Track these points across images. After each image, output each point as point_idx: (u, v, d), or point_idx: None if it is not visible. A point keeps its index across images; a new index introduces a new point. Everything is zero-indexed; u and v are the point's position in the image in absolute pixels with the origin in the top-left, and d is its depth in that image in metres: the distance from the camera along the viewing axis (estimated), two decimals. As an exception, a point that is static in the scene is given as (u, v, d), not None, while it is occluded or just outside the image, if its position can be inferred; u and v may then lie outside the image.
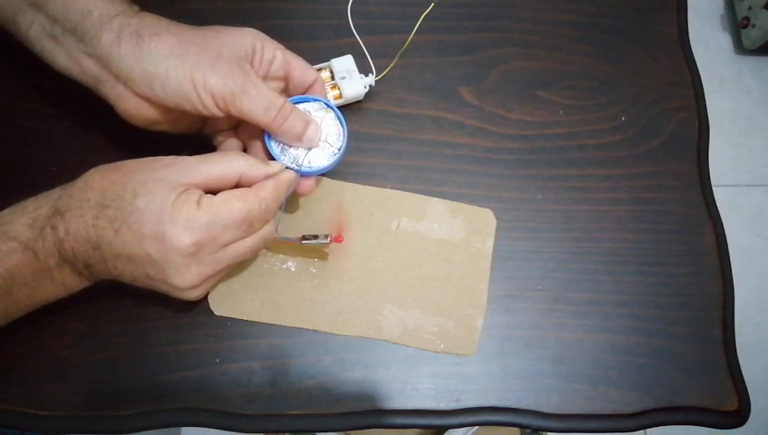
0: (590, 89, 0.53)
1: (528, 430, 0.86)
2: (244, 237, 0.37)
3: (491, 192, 0.49)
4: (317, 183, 0.44)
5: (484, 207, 0.48)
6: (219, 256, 0.36)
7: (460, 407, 0.43)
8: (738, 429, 0.44)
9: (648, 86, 0.54)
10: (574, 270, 0.47)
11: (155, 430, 0.41)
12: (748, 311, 1.22)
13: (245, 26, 0.40)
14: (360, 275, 0.45)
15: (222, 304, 0.44)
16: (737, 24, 1.42)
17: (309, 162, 0.40)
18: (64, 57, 0.39)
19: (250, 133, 0.42)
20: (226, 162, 0.37)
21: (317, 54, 0.49)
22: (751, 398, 0.45)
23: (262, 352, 0.43)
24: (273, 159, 0.40)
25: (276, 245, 0.45)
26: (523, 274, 0.47)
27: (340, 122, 0.42)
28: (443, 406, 0.43)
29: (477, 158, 0.50)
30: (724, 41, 1.46)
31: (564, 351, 0.45)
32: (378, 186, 0.48)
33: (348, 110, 0.50)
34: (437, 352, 0.44)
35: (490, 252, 0.47)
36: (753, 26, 1.35)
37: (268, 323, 0.44)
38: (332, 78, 0.49)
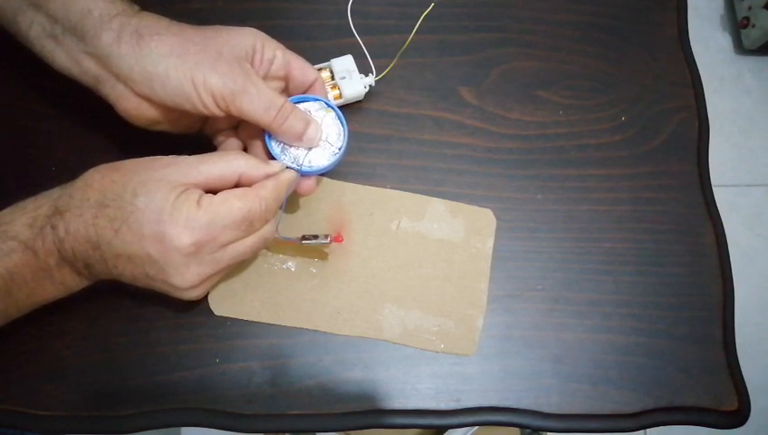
0: (590, 89, 0.53)
1: (528, 430, 0.86)
2: (244, 237, 0.37)
3: (491, 192, 0.49)
4: (317, 183, 0.44)
5: (484, 207, 0.48)
6: (219, 256, 0.36)
7: (460, 407, 0.43)
8: (738, 429, 0.44)
9: (648, 86, 0.54)
10: (574, 270, 0.47)
11: (155, 430, 0.41)
12: (748, 311, 1.22)
13: (246, 26, 0.40)
14: (360, 275, 0.45)
15: (222, 304, 0.44)
16: (737, 24, 1.42)
17: (309, 162, 0.40)
18: (64, 57, 0.39)
19: (250, 133, 0.42)
20: (226, 162, 0.37)
21: (317, 54, 0.49)
22: (751, 398, 0.45)
23: (262, 352, 0.43)
24: (273, 158, 0.40)
25: (276, 245, 0.45)
26: (523, 274, 0.47)
27: (341, 122, 0.42)
28: (443, 406, 0.43)
29: (477, 158, 0.50)
30: (724, 41, 1.46)
31: (564, 351, 0.45)
32: (378, 186, 0.48)
33: (348, 110, 0.50)
34: (437, 352, 0.44)
35: (490, 252, 0.47)
36: (753, 26, 1.35)
37: (268, 323, 0.44)
38: (332, 78, 0.49)
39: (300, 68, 0.42)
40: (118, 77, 0.38)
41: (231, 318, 0.44)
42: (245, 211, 0.36)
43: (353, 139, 0.45)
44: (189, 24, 0.39)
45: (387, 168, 0.49)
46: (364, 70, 0.50)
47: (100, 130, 0.47)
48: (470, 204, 0.48)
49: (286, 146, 0.40)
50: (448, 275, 0.46)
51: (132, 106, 0.39)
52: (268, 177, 0.38)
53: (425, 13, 0.53)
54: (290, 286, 0.44)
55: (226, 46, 0.38)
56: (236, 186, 0.37)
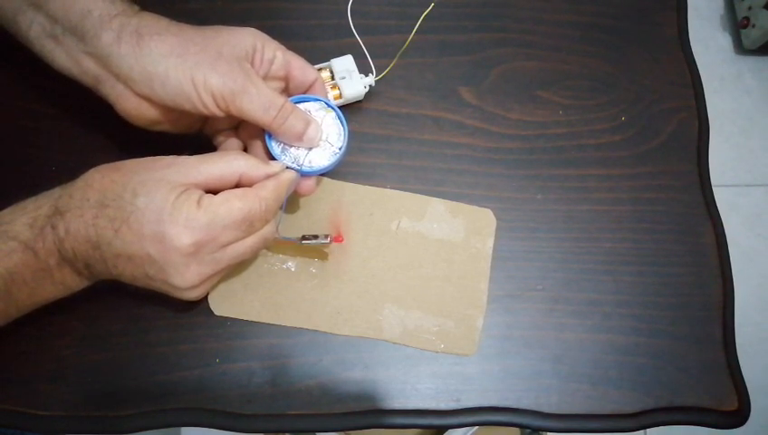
0: (590, 89, 0.53)
1: (528, 430, 0.86)
2: (244, 237, 0.37)
3: (491, 192, 0.49)
4: (317, 183, 0.44)
5: (484, 207, 0.48)
6: (219, 256, 0.36)
7: (460, 407, 0.43)
8: (738, 429, 0.44)
9: (648, 86, 0.54)
10: (574, 270, 0.47)
11: (155, 430, 0.41)
12: (748, 311, 1.22)
13: (246, 26, 0.40)
14: (360, 275, 0.45)
15: (222, 304, 0.44)
16: (737, 24, 1.42)
17: (309, 162, 0.40)
18: (64, 57, 0.39)
19: (250, 133, 0.42)
20: (227, 162, 0.37)
21: (317, 54, 0.49)
22: (751, 398, 0.45)
23: (262, 353, 0.43)
24: (273, 158, 0.40)
25: (276, 245, 0.45)
26: (523, 274, 0.47)
27: (341, 122, 0.42)
28: (443, 406, 0.43)
29: (477, 158, 0.50)
30: (724, 41, 1.46)
31: (564, 351, 0.45)
32: (378, 186, 0.48)
33: (348, 110, 0.50)
34: (437, 352, 0.44)
35: (490, 252, 0.47)
36: (753, 26, 1.35)
37: (268, 323, 0.44)
38: (332, 78, 0.49)
39: (300, 68, 0.42)
40: (118, 77, 0.38)
41: (231, 318, 0.44)
42: (246, 211, 0.36)
43: (353, 139, 0.45)
44: (189, 24, 0.39)
45: (387, 168, 0.49)
46: (364, 70, 0.50)
47: (100, 131, 0.47)
48: (470, 204, 0.48)
49: (286, 146, 0.40)
50: (448, 275, 0.46)
51: (132, 106, 0.39)
52: (268, 177, 0.38)
53: (425, 13, 0.53)
54: (290, 286, 0.44)
55: (226, 46, 0.38)
56: (237, 186, 0.37)
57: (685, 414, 0.44)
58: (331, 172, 0.45)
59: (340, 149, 0.41)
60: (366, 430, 0.46)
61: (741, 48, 1.43)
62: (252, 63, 0.39)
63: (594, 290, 0.47)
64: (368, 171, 0.49)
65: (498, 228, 0.48)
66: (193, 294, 0.38)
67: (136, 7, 0.39)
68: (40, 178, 0.46)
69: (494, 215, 0.48)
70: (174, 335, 0.43)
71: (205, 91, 0.37)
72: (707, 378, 0.45)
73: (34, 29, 0.39)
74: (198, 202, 0.35)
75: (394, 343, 0.44)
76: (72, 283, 0.37)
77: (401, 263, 0.46)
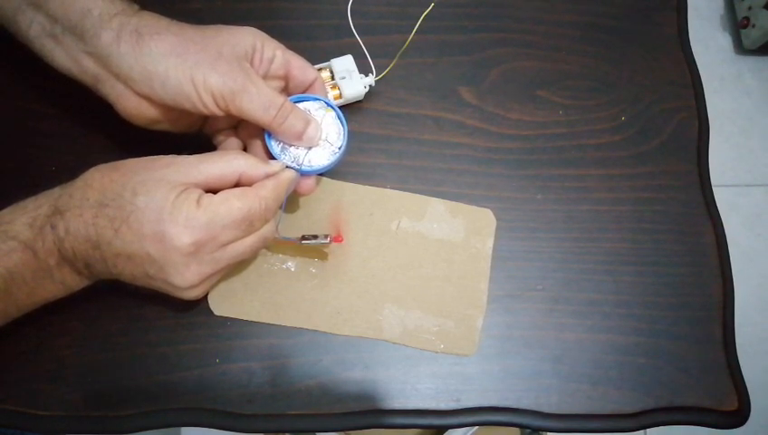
0: (590, 89, 0.53)
1: (528, 430, 0.86)
2: (244, 237, 0.37)
3: (491, 192, 0.49)
4: (317, 183, 0.44)
5: (484, 207, 0.48)
6: (219, 256, 0.36)
7: (460, 407, 0.43)
8: (738, 429, 0.44)
9: (648, 86, 0.54)
10: (574, 270, 0.47)
11: (155, 430, 0.41)
12: (748, 311, 1.22)
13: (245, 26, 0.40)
14: (360, 275, 0.45)
15: (222, 304, 0.44)
16: (737, 24, 1.42)
17: (309, 161, 0.40)
18: (64, 56, 0.39)
19: (250, 132, 0.42)
20: (226, 161, 0.37)
21: (317, 54, 0.49)
22: (751, 398, 0.45)
23: (262, 353, 0.43)
24: (273, 158, 0.40)
25: (276, 245, 0.45)
26: (523, 274, 0.47)
27: (341, 121, 0.42)
28: (443, 406, 0.43)
29: (477, 158, 0.50)
30: (724, 41, 1.46)
31: (564, 351, 0.45)
32: (378, 186, 0.48)
33: (348, 110, 0.50)
34: (437, 352, 0.44)
35: (490, 252, 0.47)
36: (753, 26, 1.35)
37: (268, 323, 0.44)
38: (332, 78, 0.49)
39: (300, 67, 0.42)
40: (117, 76, 0.38)
41: (231, 318, 0.44)
42: (245, 211, 0.36)
43: (353, 138, 0.45)
44: (189, 23, 0.39)
45: (387, 168, 0.49)
46: (364, 70, 0.50)
47: (99, 130, 0.47)
48: (470, 204, 0.48)
49: (286, 145, 0.40)
50: (448, 275, 0.46)
51: (132, 105, 0.39)
52: (268, 176, 0.38)
53: (425, 13, 0.53)
54: (290, 286, 0.44)
55: (226, 46, 0.38)
56: (236, 185, 0.37)
57: (685, 414, 0.44)
58: (331, 172, 0.45)
59: (339, 148, 0.41)
60: (366, 430, 0.46)
61: (741, 48, 1.43)
62: (251, 63, 0.39)
63: (594, 290, 0.47)
64: (368, 171, 0.48)
65: (498, 228, 0.48)
66: (193, 294, 0.38)
67: (135, 6, 0.39)
68: (40, 178, 0.45)
69: (494, 215, 0.48)
70: (174, 335, 0.43)
71: (204, 90, 0.37)
72: (707, 378, 0.45)
73: (34, 28, 0.39)
74: (198, 201, 0.35)
75: (394, 343, 0.44)
76: (72, 282, 0.37)
77: (401, 263, 0.46)
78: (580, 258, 0.47)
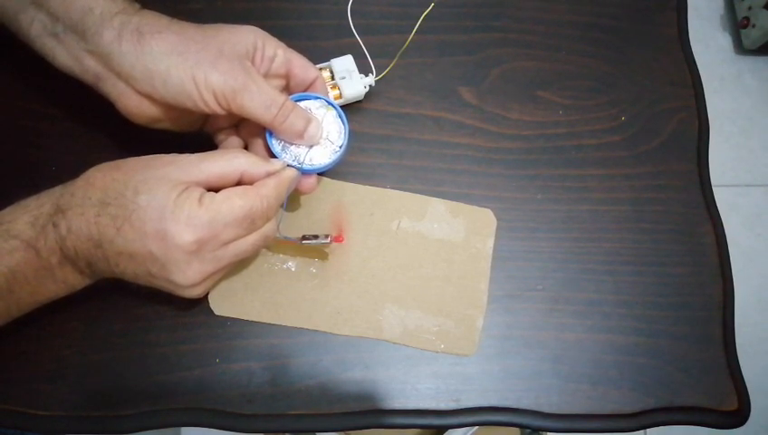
0: (590, 89, 0.53)
1: (528, 430, 0.86)
2: (245, 235, 0.37)
3: (491, 192, 0.49)
4: (318, 181, 0.44)
5: (484, 207, 0.48)
6: (221, 254, 0.36)
7: (460, 407, 0.43)
8: (738, 429, 0.44)
9: (648, 86, 0.54)
10: (574, 270, 0.47)
11: (155, 430, 0.41)
12: (748, 311, 1.22)
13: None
14: (360, 275, 0.45)
15: (222, 304, 0.44)
16: (737, 24, 1.43)
17: (310, 160, 0.40)
18: (65, 55, 0.39)
19: (251, 131, 0.42)
20: (228, 160, 0.37)
21: (317, 54, 0.49)
22: (751, 398, 0.45)
23: (262, 353, 0.43)
24: (274, 156, 0.40)
25: (277, 244, 0.45)
26: (523, 274, 0.47)
27: (342, 120, 0.42)
28: (443, 406, 0.43)
29: (477, 158, 0.50)
30: (724, 41, 1.46)
31: (564, 351, 0.45)
32: (378, 186, 0.48)
33: (348, 110, 0.50)
34: (437, 352, 0.44)
35: (490, 252, 0.47)
36: (753, 26, 1.35)
37: (268, 323, 0.44)
38: (332, 78, 0.49)
39: (301, 66, 0.42)
40: (119, 75, 0.38)
41: (231, 318, 0.44)
42: (247, 209, 0.36)
43: (353, 138, 0.45)
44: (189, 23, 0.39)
45: (387, 168, 0.49)
46: (364, 70, 0.50)
47: (100, 129, 0.47)
48: (470, 204, 0.48)
49: (287, 144, 0.40)
50: (448, 275, 0.46)
51: (133, 104, 0.39)
52: (269, 175, 0.38)
53: (425, 13, 0.53)
54: (290, 286, 0.44)
55: (227, 44, 0.38)
56: (238, 184, 0.37)
57: (685, 414, 0.44)
58: (332, 172, 0.45)
59: (340, 147, 0.41)
60: (366, 430, 0.46)
61: (741, 48, 1.43)
62: (252, 61, 0.39)
63: (594, 290, 0.47)
64: (368, 171, 0.49)
65: (498, 228, 0.48)
66: (194, 292, 0.38)
67: (137, 5, 0.39)
68: (40, 177, 0.45)
69: (494, 215, 0.48)
70: (174, 335, 0.43)
71: (206, 89, 0.37)
72: (707, 378, 0.45)
73: (35, 27, 0.39)
74: (200, 200, 0.35)
75: (394, 343, 0.44)
76: (74, 281, 0.37)
77: (401, 263, 0.46)
78: (580, 258, 0.48)
